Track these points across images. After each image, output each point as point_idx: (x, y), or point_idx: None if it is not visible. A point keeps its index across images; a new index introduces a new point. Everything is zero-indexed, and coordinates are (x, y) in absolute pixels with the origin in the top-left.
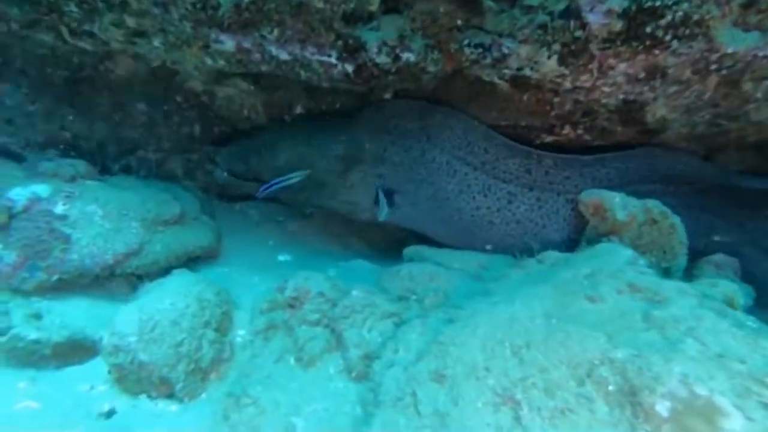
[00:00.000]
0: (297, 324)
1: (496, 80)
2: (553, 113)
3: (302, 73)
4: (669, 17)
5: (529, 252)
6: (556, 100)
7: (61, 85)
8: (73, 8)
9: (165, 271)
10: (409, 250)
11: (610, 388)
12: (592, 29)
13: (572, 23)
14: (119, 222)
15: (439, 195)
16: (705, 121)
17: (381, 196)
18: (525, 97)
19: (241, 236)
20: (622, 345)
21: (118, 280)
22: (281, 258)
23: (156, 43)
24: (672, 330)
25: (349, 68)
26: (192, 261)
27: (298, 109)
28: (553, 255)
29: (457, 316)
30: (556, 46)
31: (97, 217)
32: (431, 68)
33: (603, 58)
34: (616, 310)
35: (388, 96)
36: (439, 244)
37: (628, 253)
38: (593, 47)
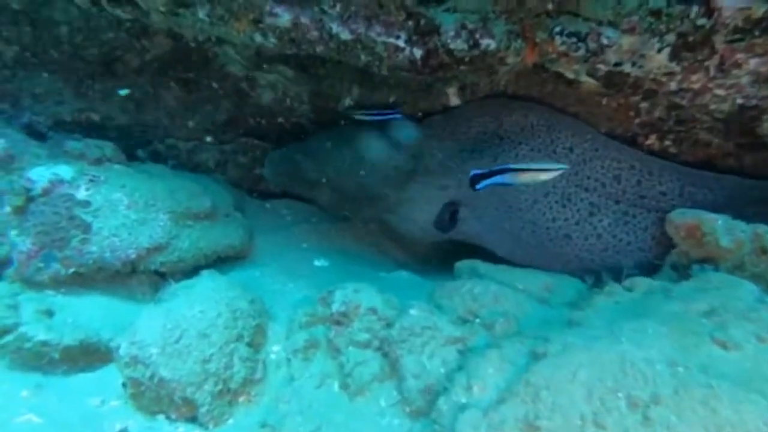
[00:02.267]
0: (343, 344)
1: (584, 78)
2: (637, 120)
3: (362, 57)
4: None
5: (600, 274)
6: (644, 105)
7: (93, 62)
8: None
9: (191, 270)
10: (463, 265)
11: None
12: (722, 16)
13: (695, 9)
14: (146, 213)
15: (511, 206)
16: None
17: (445, 211)
18: (605, 101)
19: (274, 237)
20: None
21: (139, 277)
22: (317, 263)
23: (201, 14)
24: None
25: (418, 53)
26: (220, 261)
27: (348, 101)
28: (644, 282)
29: (545, 350)
30: (670, 37)
31: (122, 206)
32: (511, 59)
33: (728, 53)
34: (763, 363)
35: (452, 91)
36: (495, 260)
37: (754, 288)
38: (718, 39)
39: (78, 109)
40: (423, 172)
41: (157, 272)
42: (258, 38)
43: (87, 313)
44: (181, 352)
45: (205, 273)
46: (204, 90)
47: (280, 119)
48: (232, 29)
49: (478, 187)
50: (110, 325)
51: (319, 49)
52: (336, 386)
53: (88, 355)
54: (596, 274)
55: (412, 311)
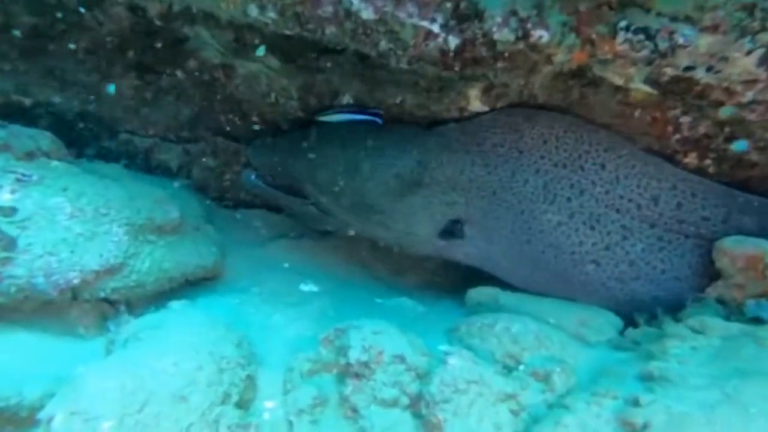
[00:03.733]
0: (364, 402)
1: (637, 84)
2: (677, 136)
3: (382, 43)
4: None
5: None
6: (686, 119)
7: (26, 34)
8: None
9: (152, 297)
10: (478, 293)
11: None
12: None
13: None
14: (95, 224)
15: (531, 227)
16: None
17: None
18: (638, 114)
19: (249, 254)
20: None
21: (81, 305)
22: (305, 288)
23: None
24: None
25: (453, 43)
26: (188, 284)
27: (346, 99)
28: (717, 324)
29: (646, 421)
30: (764, 37)
31: (63, 214)
32: (560, 57)
33: None
34: None
35: (474, 93)
36: (505, 285)
37: None
38: None
39: (2, 90)
40: (428, 184)
41: (107, 299)
42: (253, 11)
43: (4, 358)
44: (147, 425)
45: (174, 305)
46: (167, 78)
47: (254, 117)
48: None
49: None
50: (38, 374)
51: (329, 30)
52: None
53: (2, 423)
54: (648, 310)
55: (452, 360)
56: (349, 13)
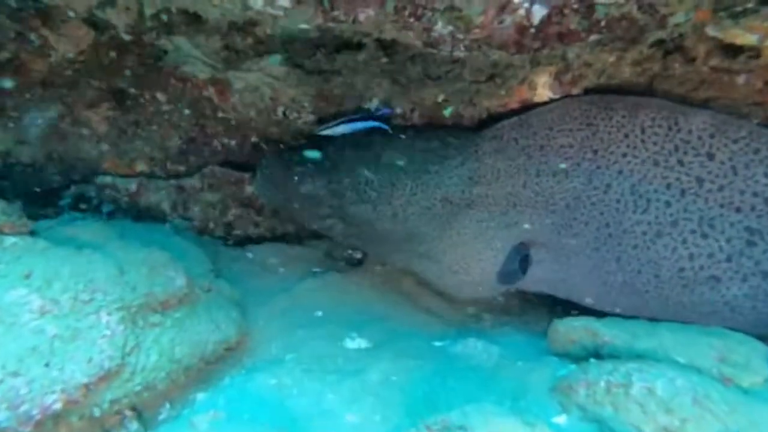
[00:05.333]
0: None
1: None
2: None
3: (438, 26)
4: None
5: None
6: None
7: None
8: None
9: (164, 396)
10: (569, 329)
11: None
12: None
13: None
14: (76, 318)
15: (619, 243)
16: None
17: (515, 257)
18: (742, 80)
19: (271, 306)
20: None
21: (71, 424)
22: (351, 344)
23: None
24: None
25: (538, 15)
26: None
27: (374, 104)
28: None
29: None
30: None
31: (30, 312)
32: (679, 17)
33: None
34: None
35: (543, 79)
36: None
37: None
38: None
39: None
40: (482, 202)
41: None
42: (256, 3)
43: None
44: None
45: (199, 421)
46: (147, 104)
47: (254, 138)
48: None
49: None
50: None
51: (364, 16)
52: None
53: None
54: None
55: None
56: None
